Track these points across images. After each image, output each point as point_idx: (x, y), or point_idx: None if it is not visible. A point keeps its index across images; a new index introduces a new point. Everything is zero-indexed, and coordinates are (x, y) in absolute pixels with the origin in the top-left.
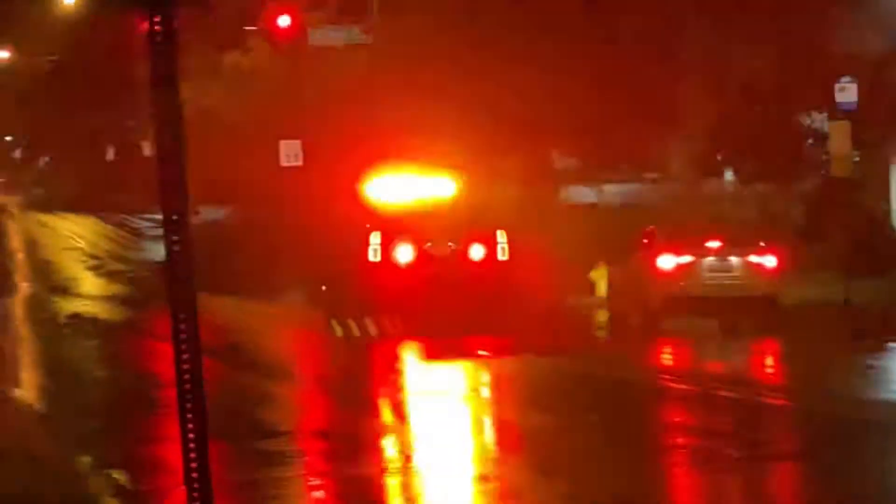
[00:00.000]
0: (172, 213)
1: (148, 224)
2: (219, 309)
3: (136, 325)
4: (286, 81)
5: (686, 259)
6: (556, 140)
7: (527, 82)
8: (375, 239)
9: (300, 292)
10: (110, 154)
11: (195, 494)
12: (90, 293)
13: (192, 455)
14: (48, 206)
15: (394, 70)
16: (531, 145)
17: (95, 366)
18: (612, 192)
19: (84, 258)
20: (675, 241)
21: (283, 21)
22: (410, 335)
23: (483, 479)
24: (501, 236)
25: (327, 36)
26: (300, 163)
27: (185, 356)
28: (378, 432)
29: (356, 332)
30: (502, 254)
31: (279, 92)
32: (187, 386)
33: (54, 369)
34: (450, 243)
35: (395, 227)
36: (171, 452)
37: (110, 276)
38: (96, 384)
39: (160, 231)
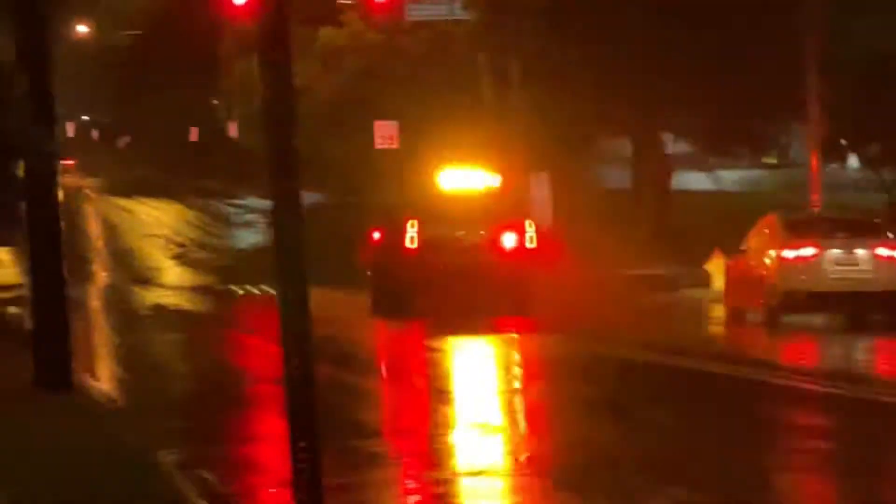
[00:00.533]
0: (282, 197)
1: (234, 210)
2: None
3: (221, 316)
4: (382, 59)
5: (808, 251)
6: (668, 121)
7: (638, 60)
8: (412, 228)
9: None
10: (193, 135)
11: (303, 498)
12: (173, 283)
13: (301, 457)
14: (128, 189)
15: (495, 48)
16: (641, 127)
17: (179, 359)
18: (729, 178)
19: (166, 245)
20: (796, 232)
21: None
22: (452, 323)
23: (597, 483)
24: (529, 226)
25: (426, 10)
26: (395, 145)
27: (293, 349)
28: (476, 429)
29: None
30: (530, 242)
31: (374, 70)
32: (296, 382)
33: (136, 363)
34: (481, 232)
35: (431, 216)
36: (260, 452)
37: (194, 264)
38: (181, 378)
39: (247, 217)
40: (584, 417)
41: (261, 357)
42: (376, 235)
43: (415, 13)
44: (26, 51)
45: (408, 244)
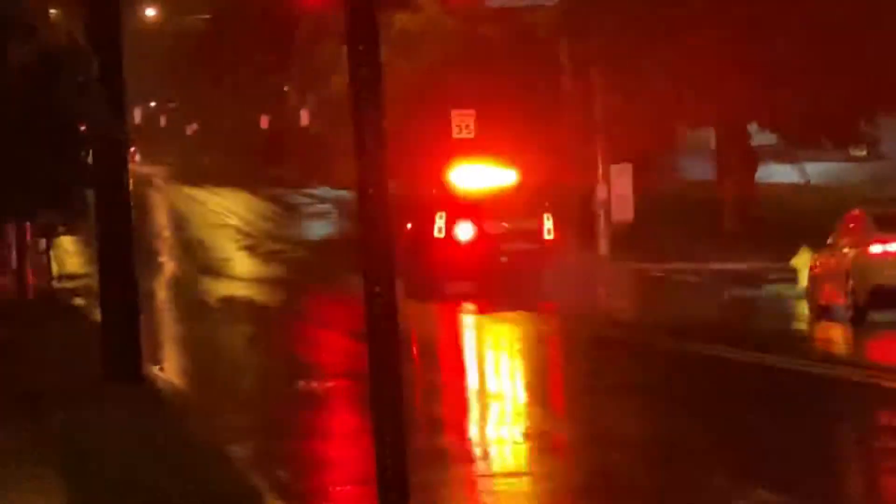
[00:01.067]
0: (369, 188)
1: (306, 200)
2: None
3: (293, 309)
4: (459, 46)
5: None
6: (753, 111)
7: (723, 46)
8: (440, 219)
9: None
10: (264, 123)
11: (391, 496)
12: (243, 274)
13: (388, 452)
14: (197, 178)
15: (579, 35)
16: (725, 117)
17: (250, 352)
18: (816, 171)
19: (236, 236)
20: (883, 226)
21: None
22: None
23: (679, 482)
24: (548, 220)
25: None
26: (472, 135)
27: (379, 345)
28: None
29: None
30: (548, 234)
31: (451, 58)
32: (381, 377)
33: (206, 355)
34: (504, 224)
35: (457, 209)
36: (334, 448)
37: (265, 256)
38: (251, 372)
39: (318, 207)
40: (663, 416)
41: (333, 351)
42: (409, 225)
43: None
44: (96, 34)
45: (436, 234)
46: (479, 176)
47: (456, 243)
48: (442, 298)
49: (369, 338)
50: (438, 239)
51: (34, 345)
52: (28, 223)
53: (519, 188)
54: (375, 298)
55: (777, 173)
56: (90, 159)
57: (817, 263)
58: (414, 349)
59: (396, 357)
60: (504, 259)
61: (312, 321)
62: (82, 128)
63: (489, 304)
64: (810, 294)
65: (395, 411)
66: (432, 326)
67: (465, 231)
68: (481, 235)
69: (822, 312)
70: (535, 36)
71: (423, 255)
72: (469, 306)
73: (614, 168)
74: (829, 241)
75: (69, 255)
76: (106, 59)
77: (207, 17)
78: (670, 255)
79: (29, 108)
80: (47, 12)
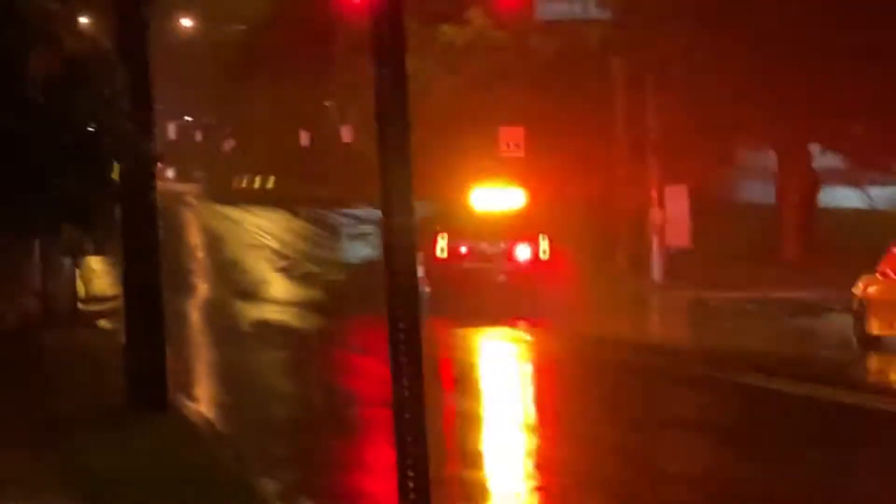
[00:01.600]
0: (393, 216)
1: (347, 220)
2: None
3: (330, 335)
4: (508, 60)
5: None
6: (815, 131)
7: (783, 61)
8: (442, 240)
9: None
10: (304, 139)
11: None
12: (279, 298)
13: (411, 485)
14: (232, 196)
15: (630, 50)
16: (786, 137)
17: (283, 379)
18: (881, 195)
19: (272, 258)
20: None
21: None
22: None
23: None
24: (543, 240)
25: (559, 8)
26: (521, 153)
27: (403, 369)
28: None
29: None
30: (543, 255)
31: (499, 72)
32: (405, 405)
33: (237, 382)
34: (501, 244)
35: (459, 230)
36: (367, 481)
37: (302, 278)
38: (283, 400)
39: (360, 228)
40: (720, 454)
41: (370, 379)
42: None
43: (546, 11)
44: (124, 43)
45: (438, 254)
46: (485, 197)
47: (458, 263)
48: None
49: (393, 379)
50: (440, 259)
51: (57, 369)
52: (54, 241)
53: (523, 209)
54: (398, 336)
55: (841, 197)
56: (116, 174)
57: (866, 291)
58: (445, 375)
59: (419, 383)
60: (502, 278)
61: (350, 347)
62: (107, 141)
63: (489, 320)
64: (858, 323)
65: (418, 440)
66: (464, 351)
67: (463, 251)
68: (479, 256)
69: (871, 343)
70: (586, 50)
71: (426, 275)
72: (490, 329)
73: (669, 190)
74: (879, 267)
75: (96, 275)
76: (133, 69)
77: (246, 27)
78: (728, 283)
79: (52, 119)
80: (74, 20)
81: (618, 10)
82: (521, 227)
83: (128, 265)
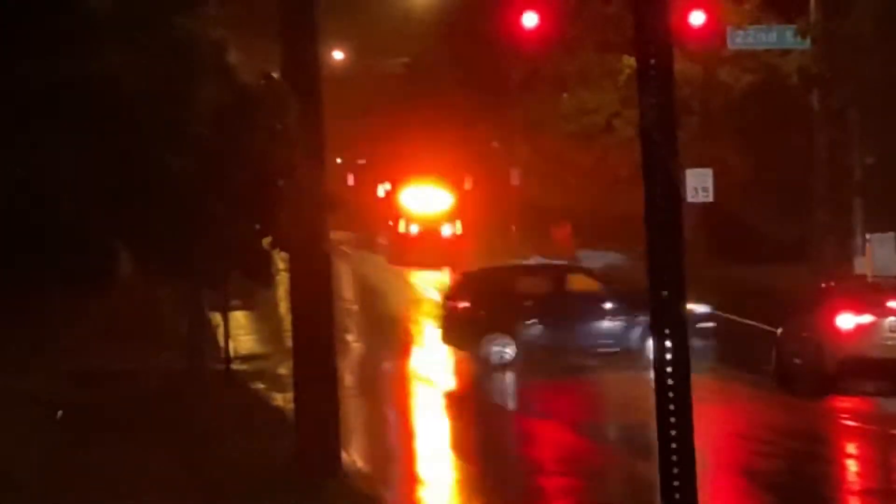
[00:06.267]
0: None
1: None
2: None
3: (504, 397)
4: (696, 93)
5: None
6: None
7: None
8: (402, 223)
9: None
10: (468, 183)
11: None
12: (444, 357)
13: None
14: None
15: (831, 84)
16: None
17: (456, 445)
18: None
19: (436, 312)
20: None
21: (697, 18)
22: None
23: None
24: (457, 225)
25: (753, 38)
26: (710, 198)
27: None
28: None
29: None
30: (457, 231)
31: (685, 107)
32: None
33: (408, 448)
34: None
35: (409, 217)
36: None
37: None
38: (458, 468)
39: None
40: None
41: (550, 446)
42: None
43: (738, 41)
44: (293, 76)
45: (400, 229)
46: (429, 199)
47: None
48: None
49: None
50: (401, 233)
51: (218, 431)
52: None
53: (453, 207)
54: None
55: None
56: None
57: (785, 336)
58: None
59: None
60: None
61: (528, 410)
62: (279, 182)
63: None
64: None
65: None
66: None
67: (413, 229)
68: (422, 232)
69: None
70: (782, 83)
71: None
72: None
73: (875, 238)
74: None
75: (242, 331)
76: (304, 103)
77: (405, 60)
78: None
79: (221, 156)
80: (244, 51)
81: (818, 39)
82: (447, 217)
83: (296, 320)
